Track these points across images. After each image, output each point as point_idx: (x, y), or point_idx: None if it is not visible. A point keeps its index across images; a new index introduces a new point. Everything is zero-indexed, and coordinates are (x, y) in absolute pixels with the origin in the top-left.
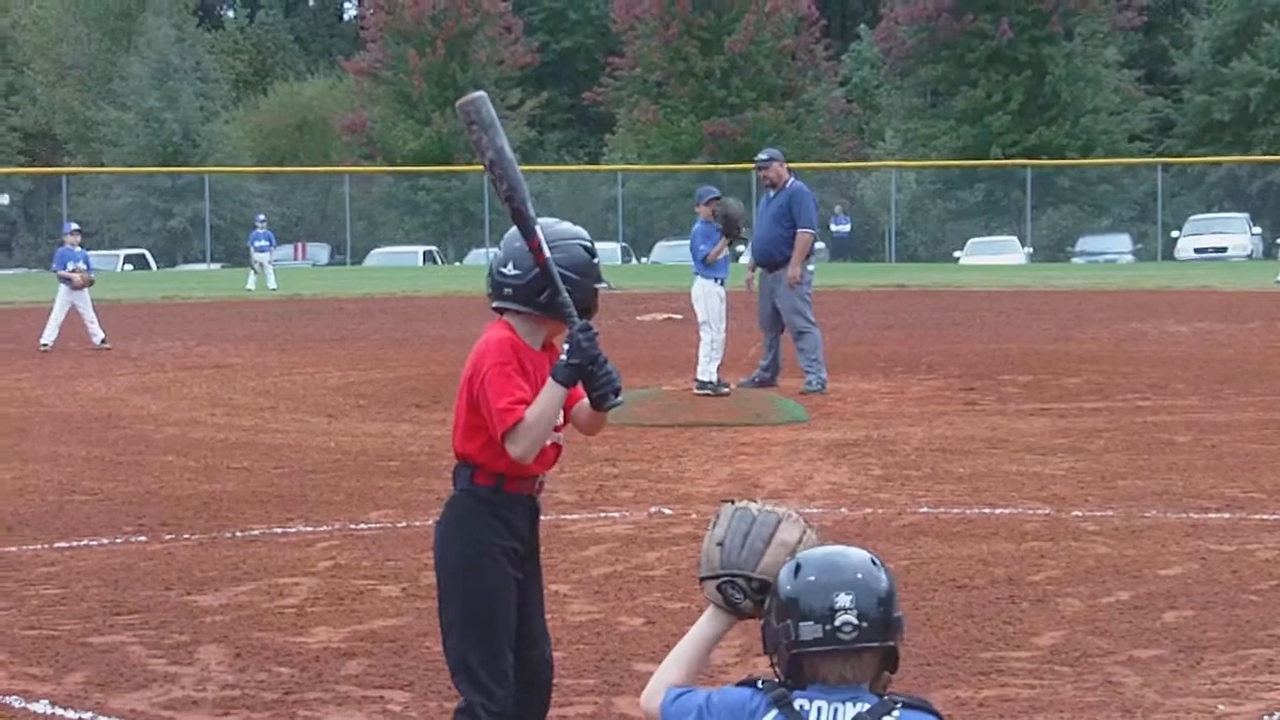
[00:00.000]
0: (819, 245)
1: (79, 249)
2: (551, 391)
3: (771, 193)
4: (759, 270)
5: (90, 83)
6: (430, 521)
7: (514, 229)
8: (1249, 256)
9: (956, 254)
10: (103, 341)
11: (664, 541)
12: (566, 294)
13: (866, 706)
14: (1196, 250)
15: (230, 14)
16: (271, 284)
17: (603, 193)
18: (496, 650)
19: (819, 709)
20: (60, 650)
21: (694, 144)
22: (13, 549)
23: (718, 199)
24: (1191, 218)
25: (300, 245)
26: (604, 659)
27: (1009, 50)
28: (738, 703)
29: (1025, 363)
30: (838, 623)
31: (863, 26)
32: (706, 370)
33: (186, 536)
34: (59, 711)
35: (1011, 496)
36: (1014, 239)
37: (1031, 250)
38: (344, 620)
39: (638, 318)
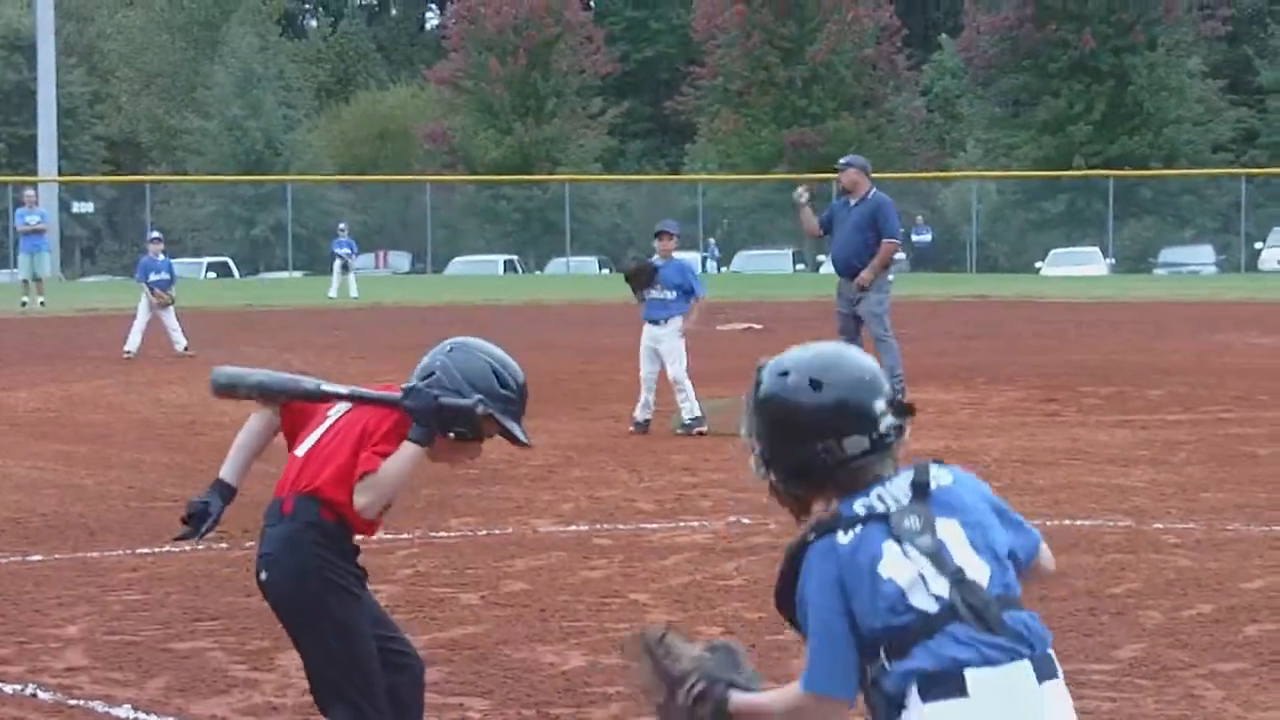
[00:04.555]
0: (899, 256)
1: (162, 257)
2: (405, 449)
3: (851, 200)
4: (839, 279)
5: (174, 91)
6: (510, 530)
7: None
8: None
9: (1038, 264)
10: (185, 349)
11: (742, 551)
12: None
13: (911, 475)
14: None
15: (313, 23)
16: (353, 292)
17: (683, 202)
18: (371, 675)
19: (879, 497)
20: (142, 655)
21: (774, 153)
22: (95, 554)
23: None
24: (1276, 229)
25: (382, 253)
26: None
27: (1091, 60)
28: (836, 563)
29: (1107, 374)
30: (881, 429)
31: (944, 36)
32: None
33: None
34: (141, 716)
35: (1092, 508)
36: (1096, 250)
37: (1113, 261)
38: (424, 628)
39: (718, 327)
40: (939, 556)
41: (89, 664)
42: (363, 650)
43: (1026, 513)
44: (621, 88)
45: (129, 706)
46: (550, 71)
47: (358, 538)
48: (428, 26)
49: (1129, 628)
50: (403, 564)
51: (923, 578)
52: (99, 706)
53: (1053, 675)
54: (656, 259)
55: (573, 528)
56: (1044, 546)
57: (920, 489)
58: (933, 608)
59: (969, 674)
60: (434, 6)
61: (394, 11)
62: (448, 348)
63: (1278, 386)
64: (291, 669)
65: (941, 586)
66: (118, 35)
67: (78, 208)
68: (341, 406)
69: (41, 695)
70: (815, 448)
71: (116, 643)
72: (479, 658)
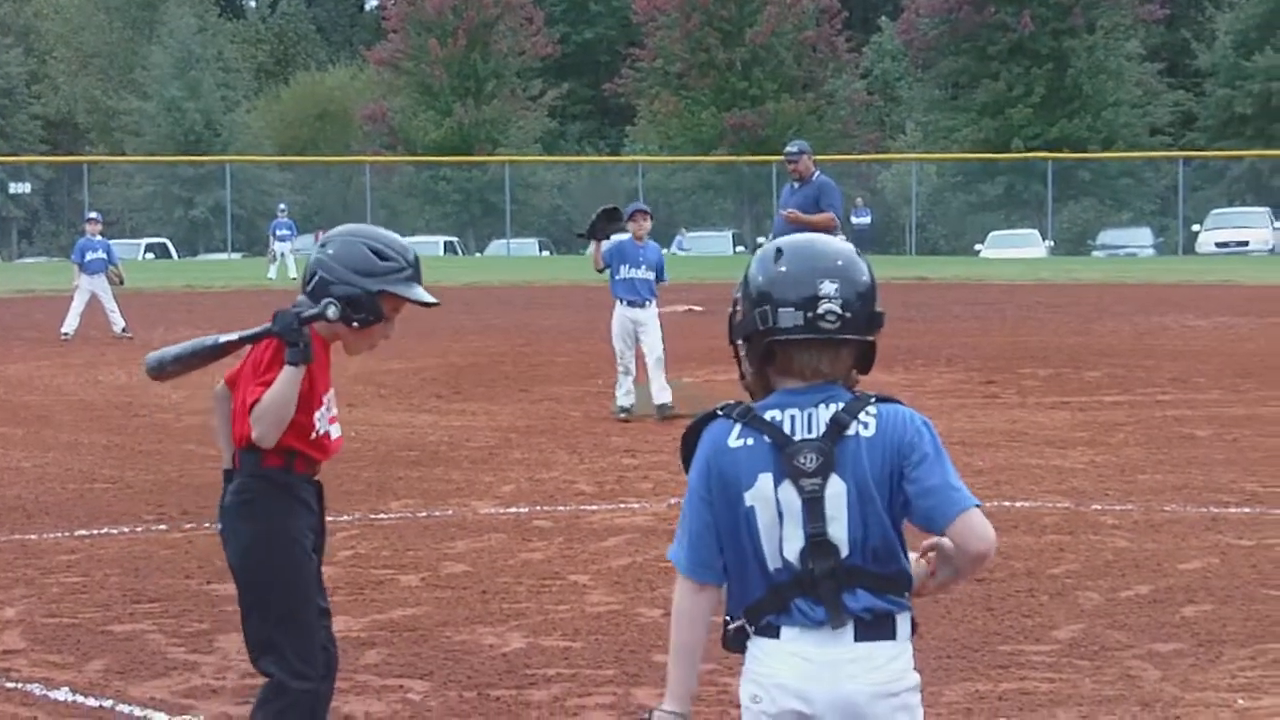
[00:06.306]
0: (840, 237)
1: (99, 238)
2: (284, 373)
3: (796, 184)
4: None
5: (112, 72)
6: (450, 512)
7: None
8: (1271, 251)
9: (977, 247)
10: (124, 330)
11: None
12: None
13: (840, 406)
14: (1218, 244)
15: (252, 3)
16: (292, 273)
17: (623, 184)
18: (306, 629)
19: (791, 418)
20: (81, 638)
21: (714, 135)
22: (33, 537)
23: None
24: (1213, 212)
25: (321, 234)
26: (623, 650)
27: (1030, 43)
28: (710, 450)
29: (1045, 356)
30: (820, 310)
31: (884, 18)
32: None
33: (206, 525)
34: (79, 699)
35: (1031, 490)
36: (1035, 232)
37: (1052, 243)
38: (363, 610)
39: (659, 310)
40: (811, 506)
41: (27, 646)
42: (303, 606)
43: None
44: (561, 69)
45: (67, 689)
46: (490, 53)
47: (323, 470)
48: (367, 7)
49: (1067, 608)
50: (342, 545)
51: (780, 523)
52: (37, 689)
53: (881, 637)
54: (629, 239)
55: (513, 509)
56: (971, 518)
57: (839, 427)
58: (777, 569)
59: (784, 629)
60: None
61: None
62: (322, 244)
63: (1214, 369)
64: (231, 651)
65: (794, 548)
66: (55, 15)
67: (14, 188)
68: (244, 352)
69: None
70: (755, 310)
71: (55, 625)
72: (419, 639)
